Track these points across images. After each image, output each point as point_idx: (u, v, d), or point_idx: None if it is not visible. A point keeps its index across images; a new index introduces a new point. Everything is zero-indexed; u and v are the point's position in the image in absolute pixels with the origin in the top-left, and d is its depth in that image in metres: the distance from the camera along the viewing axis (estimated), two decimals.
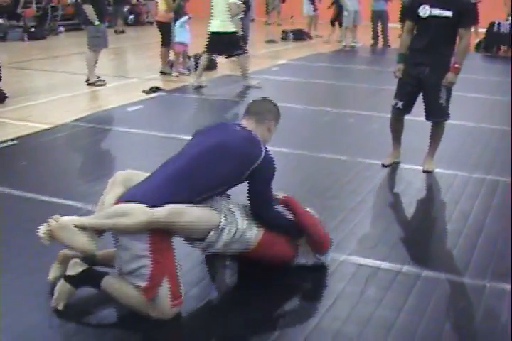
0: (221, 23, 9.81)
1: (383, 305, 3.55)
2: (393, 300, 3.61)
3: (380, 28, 16.00)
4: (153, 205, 3.27)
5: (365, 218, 4.81)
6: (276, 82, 11.07)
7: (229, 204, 3.66)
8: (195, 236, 3.51)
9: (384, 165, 5.99)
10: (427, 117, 5.95)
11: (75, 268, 3.39)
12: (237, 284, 3.80)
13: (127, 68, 12.66)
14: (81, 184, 5.48)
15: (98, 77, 10.25)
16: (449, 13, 5.43)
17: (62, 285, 3.38)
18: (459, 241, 4.40)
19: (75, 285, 3.39)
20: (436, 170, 5.91)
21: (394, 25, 16.95)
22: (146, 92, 9.52)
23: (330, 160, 6.23)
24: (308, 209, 4.02)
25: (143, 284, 3.27)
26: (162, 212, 3.25)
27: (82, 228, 3.33)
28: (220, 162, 3.52)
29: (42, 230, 3.37)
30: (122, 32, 18.68)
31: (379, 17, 15.79)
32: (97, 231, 3.40)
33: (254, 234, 3.63)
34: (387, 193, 5.36)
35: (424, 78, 5.69)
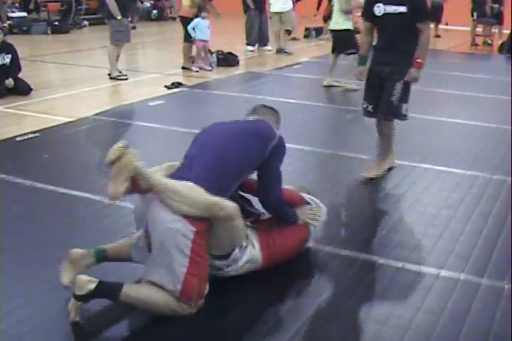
0: (335, 20, 9.77)
1: (401, 305, 3.54)
2: (411, 300, 3.60)
3: None
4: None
5: (384, 218, 4.78)
6: (297, 79, 11.06)
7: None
8: (222, 247, 3.49)
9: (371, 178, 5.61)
10: (376, 113, 5.75)
11: (85, 286, 3.16)
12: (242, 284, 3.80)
13: (149, 63, 12.67)
14: (101, 177, 5.49)
15: (120, 72, 10.29)
16: (403, 9, 5.29)
17: (74, 303, 3.21)
18: (478, 242, 4.37)
19: (88, 301, 3.22)
20: (457, 170, 5.88)
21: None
22: (168, 87, 9.55)
23: (351, 159, 6.22)
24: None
25: (178, 287, 3.24)
26: (232, 204, 3.33)
27: (140, 175, 3.20)
28: (244, 145, 3.60)
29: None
30: (133, 28, 18.64)
31: None
32: (134, 185, 3.27)
33: (257, 250, 3.66)
34: (407, 192, 5.32)
35: (385, 76, 5.52)
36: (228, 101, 8.86)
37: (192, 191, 3.26)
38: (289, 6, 13.92)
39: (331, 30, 10.06)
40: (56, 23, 16.67)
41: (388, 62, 5.48)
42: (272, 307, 3.53)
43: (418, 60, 5.40)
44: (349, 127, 7.74)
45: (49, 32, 16.37)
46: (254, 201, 3.95)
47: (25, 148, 6.38)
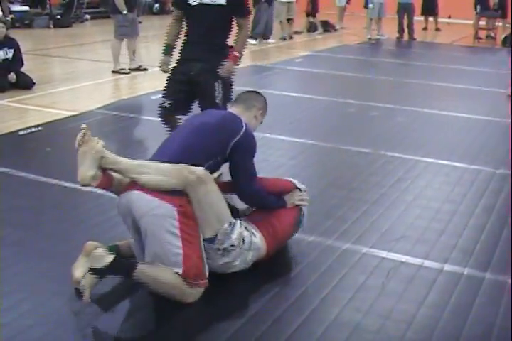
0: None
1: (404, 299, 3.54)
2: (414, 294, 3.59)
3: (405, 21, 15.90)
4: None
5: (387, 211, 4.78)
6: (300, 73, 11.05)
7: None
8: (211, 223, 3.44)
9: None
10: (174, 110, 5.34)
11: (102, 259, 3.23)
12: (250, 275, 3.80)
13: (152, 57, 12.62)
14: None
15: (140, 65, 10.29)
16: (222, 1, 4.93)
17: (90, 279, 3.24)
18: (481, 236, 4.37)
19: (102, 276, 3.28)
20: (461, 164, 5.87)
21: (419, 19, 16.89)
22: None
23: (353, 153, 6.21)
24: None
25: (180, 270, 3.27)
26: (200, 168, 3.37)
27: (108, 164, 3.39)
28: (203, 139, 3.63)
29: (85, 133, 3.42)
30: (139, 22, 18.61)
31: (405, 10, 15.72)
32: (103, 181, 3.44)
33: (258, 237, 3.67)
34: (410, 187, 5.32)
35: (195, 75, 5.09)
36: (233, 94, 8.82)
37: (158, 163, 3.44)
38: None
39: None
40: (58, 17, 16.62)
41: (200, 58, 5.07)
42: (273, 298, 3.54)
43: (236, 54, 5.13)
44: (351, 121, 7.73)
45: (51, 26, 16.33)
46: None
47: (28, 141, 6.38)
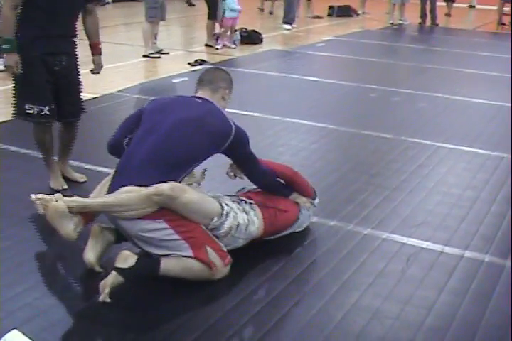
0: None
1: (424, 285, 3.52)
2: (435, 281, 3.58)
3: (428, 7, 15.73)
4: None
5: (408, 197, 4.76)
6: (321, 57, 10.98)
7: (224, 200, 3.65)
8: (200, 222, 3.44)
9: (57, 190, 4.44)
10: (65, 118, 4.69)
11: (128, 260, 3.23)
12: (274, 260, 3.80)
13: (173, 40, 12.63)
14: None
15: (160, 51, 10.27)
16: None
17: (114, 278, 3.20)
18: (503, 224, 4.34)
19: (129, 277, 3.25)
20: (483, 151, 5.82)
21: (442, 4, 16.71)
22: (192, 64, 9.52)
23: (375, 138, 6.17)
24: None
25: (191, 253, 3.30)
26: (166, 185, 3.25)
27: (80, 209, 3.35)
28: (193, 138, 3.51)
29: (37, 199, 3.38)
30: (192, 5, 18.63)
31: None
32: (86, 218, 3.45)
33: (256, 227, 3.67)
34: (431, 173, 5.28)
35: (61, 70, 4.49)
36: (252, 78, 8.81)
37: (127, 196, 3.29)
38: None
39: None
40: None
41: (63, 51, 4.50)
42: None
43: (101, 46, 4.84)
44: (373, 106, 7.68)
45: None
46: None
47: None
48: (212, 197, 3.61)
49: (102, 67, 4.94)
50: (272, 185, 3.96)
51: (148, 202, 3.25)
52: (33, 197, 3.41)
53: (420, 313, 3.25)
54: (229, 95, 3.89)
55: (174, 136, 3.51)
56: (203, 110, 3.64)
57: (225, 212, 3.50)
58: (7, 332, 2.82)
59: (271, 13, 16.82)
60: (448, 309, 3.31)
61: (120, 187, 3.36)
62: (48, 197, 3.38)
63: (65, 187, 4.64)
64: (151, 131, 3.57)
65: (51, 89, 4.48)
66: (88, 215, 3.50)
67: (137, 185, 3.32)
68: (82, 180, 4.82)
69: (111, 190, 3.45)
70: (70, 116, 4.70)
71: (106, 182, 3.66)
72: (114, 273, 3.22)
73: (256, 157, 3.77)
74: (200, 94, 3.80)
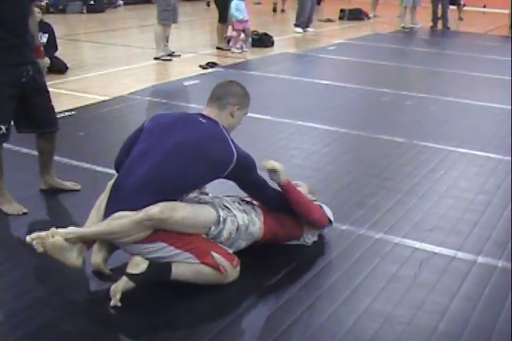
0: None
1: (437, 290, 3.50)
2: (447, 286, 3.55)
3: (440, 10, 15.71)
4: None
5: (420, 201, 4.73)
6: (332, 61, 10.97)
7: (222, 201, 3.61)
8: (198, 233, 3.40)
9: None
10: (42, 128, 4.45)
11: (139, 265, 3.24)
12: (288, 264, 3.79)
13: (184, 43, 12.64)
14: None
15: (172, 53, 10.27)
16: None
17: (125, 283, 3.20)
18: None
19: (140, 282, 3.25)
20: (495, 156, 5.79)
21: (453, 8, 16.67)
22: (203, 67, 9.52)
23: (386, 142, 6.15)
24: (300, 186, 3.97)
25: (197, 261, 3.29)
26: (155, 208, 3.18)
27: (77, 239, 3.28)
28: (190, 166, 3.38)
29: (33, 239, 3.22)
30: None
31: None
32: (87, 243, 3.38)
33: (257, 227, 3.63)
34: (443, 177, 5.26)
35: (28, 81, 4.14)
36: (263, 82, 8.81)
37: (119, 222, 3.22)
38: None
39: None
40: (91, 2, 16.67)
41: (27, 61, 4.16)
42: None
43: (42, 49, 4.60)
44: (384, 110, 7.66)
45: (84, 11, 16.39)
46: None
47: (61, 125, 6.26)
48: (211, 199, 3.59)
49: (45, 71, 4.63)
50: (282, 208, 3.79)
51: (141, 228, 3.19)
52: (28, 239, 3.24)
53: (433, 319, 3.23)
54: (240, 112, 3.65)
55: (169, 163, 3.36)
56: (204, 134, 3.45)
57: (221, 219, 3.45)
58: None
59: (282, 10, 17.51)
60: (461, 314, 3.29)
61: (114, 212, 3.30)
62: (43, 233, 3.23)
63: (25, 211, 4.25)
64: (144, 155, 3.42)
65: (13, 105, 4.12)
66: (88, 242, 3.42)
67: (131, 210, 3.24)
68: (77, 188, 4.68)
69: (106, 215, 3.38)
70: (47, 125, 4.45)
71: (100, 204, 3.54)
72: (125, 278, 3.21)
73: (266, 183, 3.64)
74: (206, 111, 3.61)
